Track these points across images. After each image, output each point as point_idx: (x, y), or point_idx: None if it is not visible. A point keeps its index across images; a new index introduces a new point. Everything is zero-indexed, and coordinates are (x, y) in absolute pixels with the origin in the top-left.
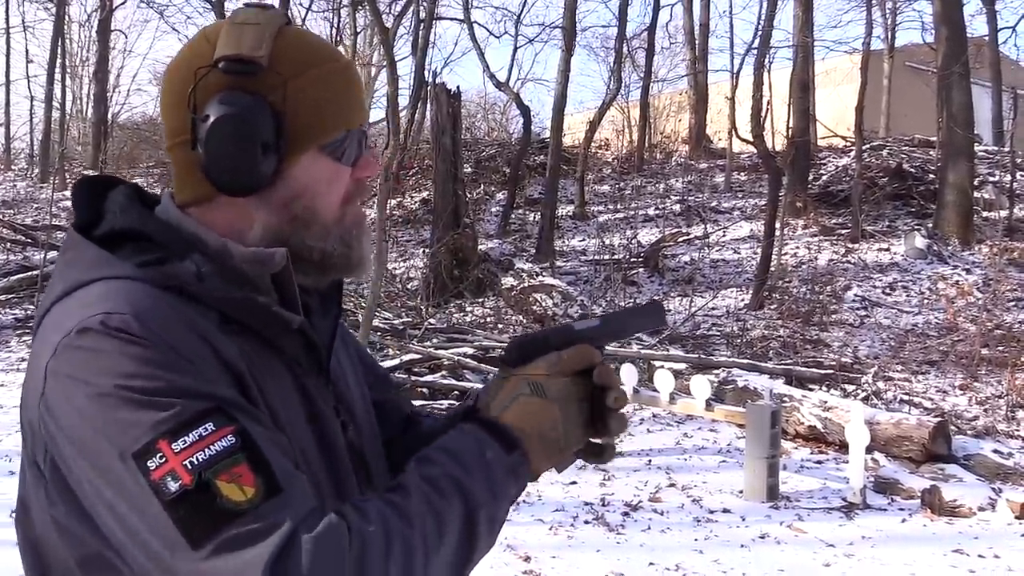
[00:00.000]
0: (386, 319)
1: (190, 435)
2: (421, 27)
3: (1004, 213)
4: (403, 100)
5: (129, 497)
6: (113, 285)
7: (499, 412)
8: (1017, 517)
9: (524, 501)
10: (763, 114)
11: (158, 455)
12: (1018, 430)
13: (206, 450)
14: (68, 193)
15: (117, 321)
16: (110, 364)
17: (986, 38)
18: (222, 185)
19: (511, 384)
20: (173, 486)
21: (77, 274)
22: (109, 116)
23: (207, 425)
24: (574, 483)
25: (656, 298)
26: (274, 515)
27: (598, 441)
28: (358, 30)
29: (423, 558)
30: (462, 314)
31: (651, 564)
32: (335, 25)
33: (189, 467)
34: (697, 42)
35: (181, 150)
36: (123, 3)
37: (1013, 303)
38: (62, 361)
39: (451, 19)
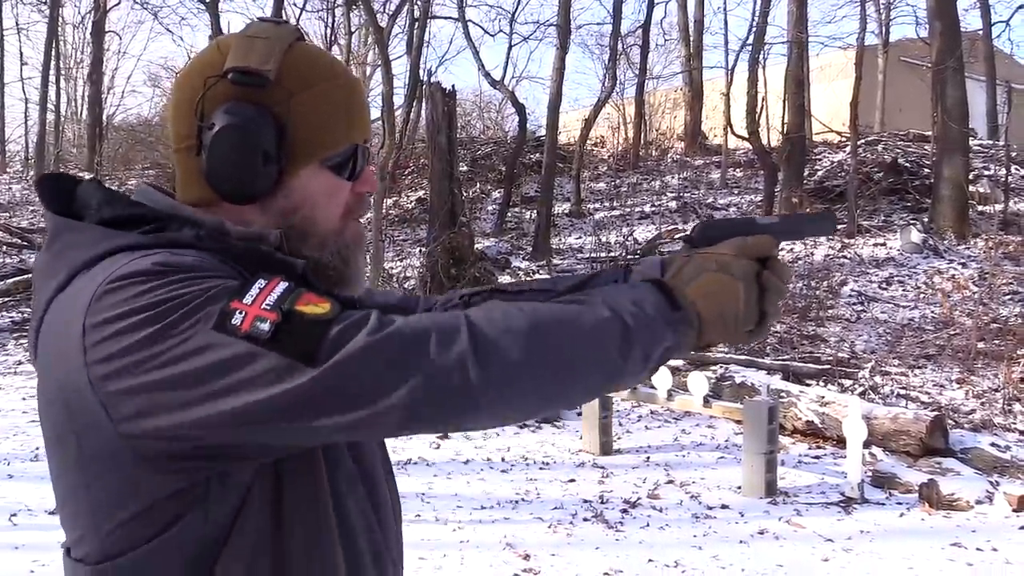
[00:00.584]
0: None
1: (252, 289)
2: (416, 26)
3: (999, 207)
4: (398, 99)
5: (233, 363)
6: (124, 253)
7: (683, 284)
8: (1015, 510)
9: (523, 499)
10: (758, 110)
11: (236, 312)
12: (1015, 423)
13: (272, 294)
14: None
15: (147, 264)
16: (154, 286)
17: (980, 32)
18: (223, 192)
19: (697, 260)
20: (264, 327)
21: (80, 254)
22: (104, 118)
23: (258, 282)
24: (572, 481)
25: (830, 208)
26: (358, 313)
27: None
28: (353, 29)
29: (543, 336)
30: None
31: (650, 561)
32: (329, 25)
33: (268, 307)
34: (692, 39)
35: (186, 155)
36: (117, 4)
37: (1008, 297)
38: (102, 307)
39: (445, 18)
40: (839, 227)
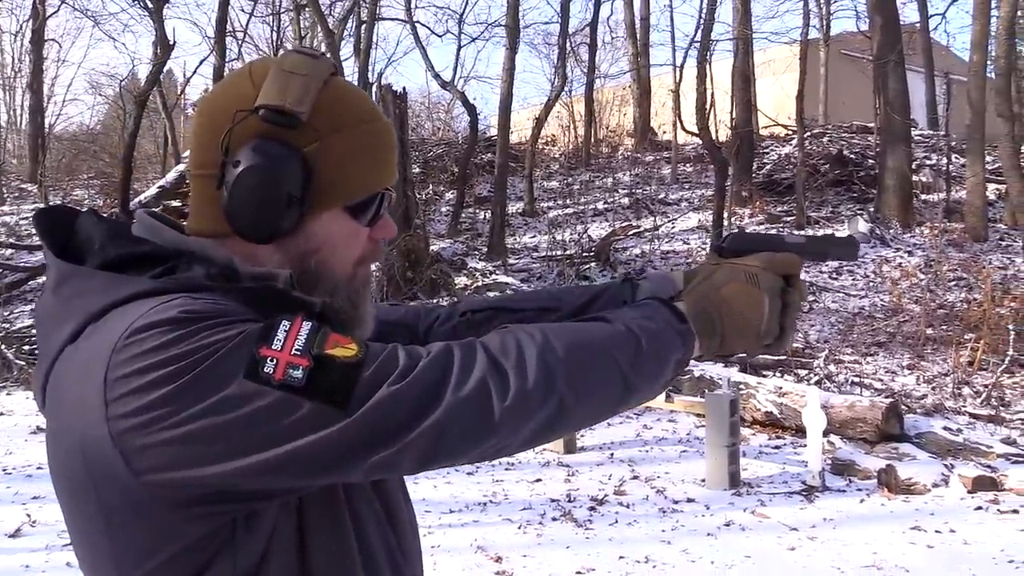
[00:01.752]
0: None
1: (279, 333)
2: (364, 28)
3: (942, 195)
4: None
5: (271, 413)
6: (140, 302)
7: (708, 291)
8: (969, 491)
9: (491, 501)
10: (707, 106)
11: (268, 360)
12: (964, 406)
13: (299, 337)
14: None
15: (169, 313)
16: (179, 336)
17: (918, 25)
18: (241, 230)
19: (726, 269)
20: (298, 374)
21: (91, 301)
22: (46, 127)
23: (283, 323)
24: (539, 480)
25: (853, 234)
26: (383, 352)
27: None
28: (303, 34)
29: (558, 349)
30: None
31: (621, 558)
32: (276, 29)
33: (299, 352)
34: (638, 36)
35: (206, 184)
36: (56, 12)
37: (954, 283)
38: (125, 360)
39: (393, 19)
40: (789, 218)
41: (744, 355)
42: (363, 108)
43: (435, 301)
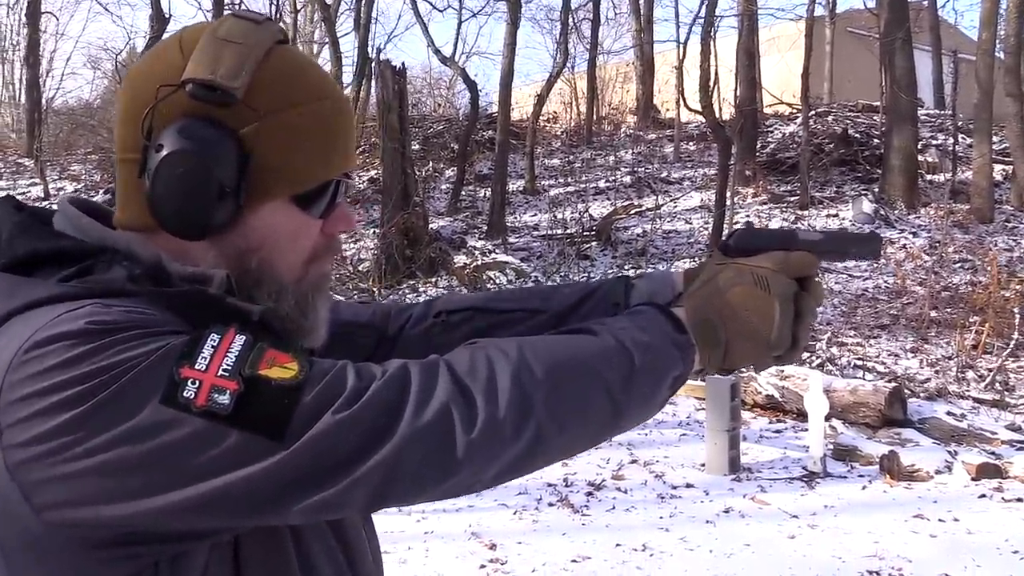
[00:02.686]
0: None
1: (205, 349)
2: (363, 2)
3: (948, 176)
4: (347, 77)
5: (189, 445)
6: (44, 309)
7: (711, 295)
8: (973, 479)
9: None
10: (711, 83)
11: (188, 383)
12: (968, 390)
13: (228, 354)
14: (1, 184)
15: (74, 324)
16: (84, 352)
17: (925, 3)
18: (166, 226)
19: (732, 270)
20: (224, 400)
21: None
22: (43, 101)
23: (211, 338)
24: None
25: (876, 230)
26: (330, 371)
27: None
28: (299, 7)
29: (528, 367)
30: (415, 294)
31: (618, 545)
32: (274, 2)
33: (226, 373)
34: (642, 12)
35: (129, 168)
36: None
37: (959, 264)
38: (21, 380)
39: None
40: (792, 198)
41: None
42: (314, 83)
43: (434, 280)
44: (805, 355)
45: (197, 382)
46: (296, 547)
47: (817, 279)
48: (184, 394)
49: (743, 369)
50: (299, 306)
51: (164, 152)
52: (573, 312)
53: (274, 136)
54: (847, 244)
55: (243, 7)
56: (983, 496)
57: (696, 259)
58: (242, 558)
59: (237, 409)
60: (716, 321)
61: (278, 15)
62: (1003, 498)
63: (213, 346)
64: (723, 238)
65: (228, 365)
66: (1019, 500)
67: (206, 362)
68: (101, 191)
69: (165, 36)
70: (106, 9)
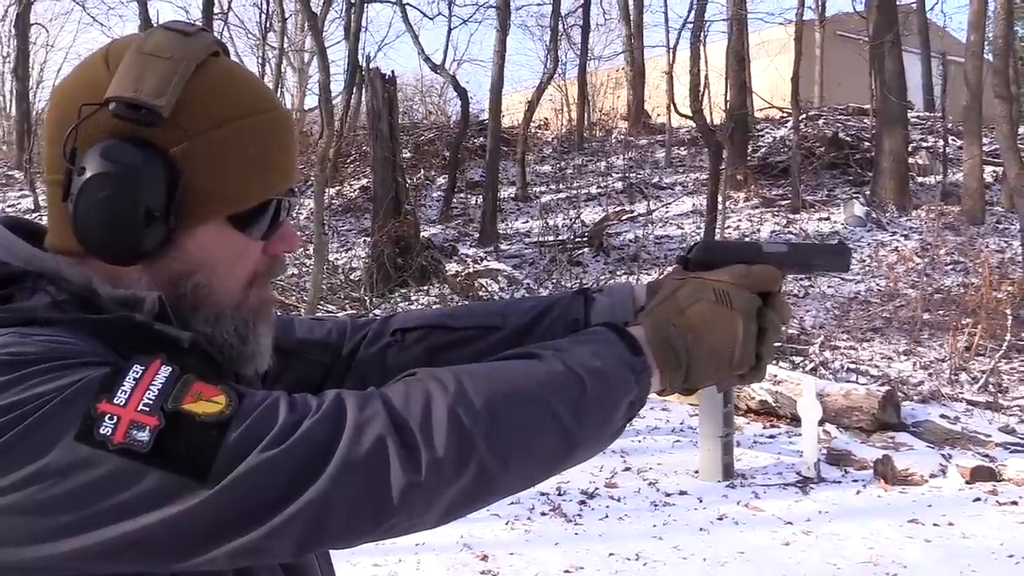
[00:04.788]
0: (330, 312)
1: (126, 382)
2: (352, 10)
3: (939, 178)
4: (338, 86)
5: (104, 485)
6: None
7: (671, 312)
8: (967, 482)
9: None
10: (701, 88)
11: (106, 418)
12: (962, 393)
13: (151, 387)
14: None
15: None
16: None
17: (914, 5)
18: (91, 251)
19: (692, 286)
20: (143, 437)
21: None
22: (32, 113)
23: (134, 369)
24: None
25: (845, 242)
26: (261, 404)
27: None
28: (287, 16)
29: (462, 396)
30: (407, 303)
31: (611, 555)
32: (264, 11)
33: (147, 409)
34: (632, 17)
35: (55, 190)
36: None
37: (950, 266)
38: None
39: (383, 1)
40: (784, 202)
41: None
42: (248, 97)
43: (425, 288)
44: (798, 359)
45: (115, 417)
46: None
47: (782, 294)
48: (101, 430)
49: (705, 387)
50: (238, 332)
51: (87, 175)
52: (530, 329)
53: (205, 155)
54: (813, 256)
55: (230, 15)
56: (978, 499)
57: None
58: None
59: (157, 447)
60: (676, 340)
61: (268, 24)
62: (997, 501)
63: (135, 379)
64: (683, 252)
65: (149, 399)
66: (1014, 503)
67: (126, 396)
68: None
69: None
70: (95, 20)
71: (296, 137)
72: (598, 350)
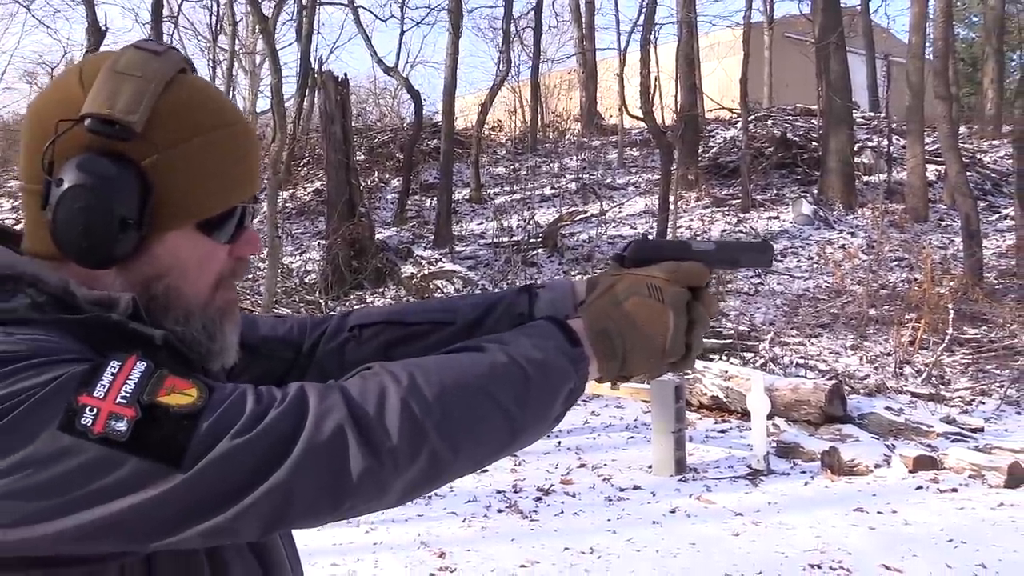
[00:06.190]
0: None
1: (104, 377)
2: (304, 13)
3: (883, 176)
4: (290, 88)
5: (86, 471)
6: None
7: (608, 306)
8: (910, 471)
9: (436, 494)
10: (651, 90)
11: (86, 409)
12: (906, 385)
13: (127, 381)
14: None
15: None
16: None
17: (859, 8)
18: (69, 257)
19: (627, 281)
20: (121, 427)
21: None
22: None
23: (112, 364)
24: (485, 471)
25: (768, 239)
26: (230, 396)
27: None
28: (237, 19)
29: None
30: (363, 306)
31: (566, 549)
32: (214, 13)
33: (124, 401)
34: (583, 20)
35: (32, 199)
36: None
37: (895, 263)
38: None
39: (334, 3)
40: (734, 201)
41: (646, 376)
42: (214, 112)
43: (381, 290)
44: (748, 355)
45: (95, 409)
46: (212, 566)
47: (710, 289)
48: (82, 421)
49: (640, 376)
50: (207, 330)
51: (64, 186)
52: (479, 323)
53: (175, 167)
54: (738, 253)
55: (182, 18)
56: (920, 488)
57: None
58: (155, 571)
59: (134, 436)
60: (613, 331)
61: (218, 26)
62: (939, 489)
63: (113, 373)
64: (618, 250)
65: (127, 392)
66: (954, 491)
67: (105, 389)
68: None
69: (102, 48)
70: (41, 23)
71: (259, 147)
72: (539, 342)
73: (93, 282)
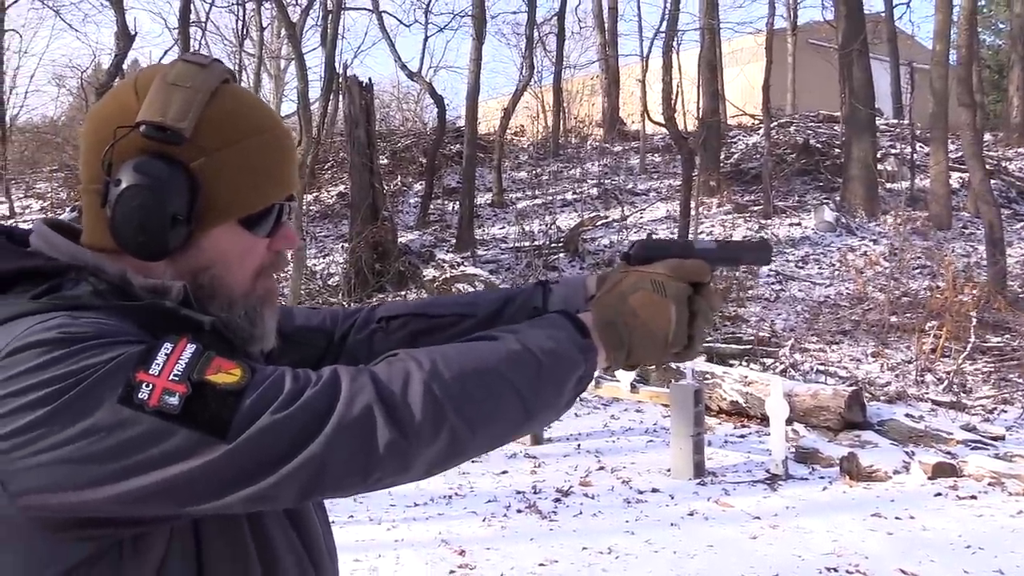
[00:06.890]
0: None
1: (159, 356)
2: (329, 18)
3: (906, 184)
4: (315, 93)
5: (142, 440)
6: (17, 322)
7: (615, 300)
8: (930, 478)
9: (456, 494)
10: (674, 96)
11: (143, 385)
12: (927, 393)
13: (180, 361)
14: None
15: (46, 333)
16: (54, 358)
17: (883, 14)
18: (127, 250)
19: (634, 277)
20: (174, 401)
21: None
22: (7, 119)
23: (164, 346)
24: (505, 472)
25: (766, 237)
26: (271, 377)
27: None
28: (265, 24)
29: (443, 371)
30: None
31: (584, 549)
32: (241, 19)
33: (176, 379)
34: (606, 26)
35: (93, 198)
36: (15, 2)
37: (917, 270)
38: None
39: (359, 9)
40: (756, 208)
41: (651, 366)
42: (255, 118)
43: (403, 294)
44: (768, 361)
45: (151, 385)
46: (253, 533)
47: (712, 285)
48: (139, 395)
49: (646, 365)
50: (248, 316)
51: (122, 186)
52: (497, 316)
53: (220, 168)
54: (738, 252)
55: (207, 27)
56: (938, 494)
57: None
58: (203, 543)
59: (185, 409)
60: (619, 324)
61: (244, 31)
62: (957, 496)
63: (166, 354)
64: (626, 249)
65: (178, 371)
66: (972, 497)
67: (159, 368)
68: (67, 208)
69: (129, 55)
70: (71, 27)
71: (295, 149)
72: (552, 333)
73: (147, 272)
